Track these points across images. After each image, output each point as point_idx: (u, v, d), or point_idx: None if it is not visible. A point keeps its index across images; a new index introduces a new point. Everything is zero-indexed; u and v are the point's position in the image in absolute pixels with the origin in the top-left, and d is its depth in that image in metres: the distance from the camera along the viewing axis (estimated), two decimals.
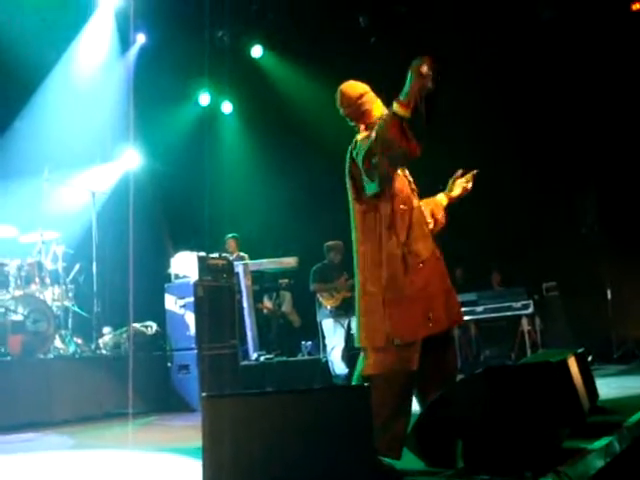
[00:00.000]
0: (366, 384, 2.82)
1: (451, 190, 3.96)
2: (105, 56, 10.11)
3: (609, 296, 9.52)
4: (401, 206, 3.49)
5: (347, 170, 3.59)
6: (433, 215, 3.85)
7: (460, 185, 3.96)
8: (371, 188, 3.42)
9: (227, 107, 12.44)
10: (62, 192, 8.43)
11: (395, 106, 3.20)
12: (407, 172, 3.71)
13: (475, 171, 3.99)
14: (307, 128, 11.50)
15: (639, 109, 9.62)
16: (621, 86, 9.70)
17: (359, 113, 3.66)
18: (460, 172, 3.99)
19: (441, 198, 3.95)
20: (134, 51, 10.63)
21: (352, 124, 3.73)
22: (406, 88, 3.18)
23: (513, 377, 3.36)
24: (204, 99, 11.94)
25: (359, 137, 3.55)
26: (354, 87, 3.71)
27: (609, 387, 6.16)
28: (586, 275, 9.75)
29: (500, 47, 10.37)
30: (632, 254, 9.01)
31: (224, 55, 11.29)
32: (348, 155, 3.58)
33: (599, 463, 3.46)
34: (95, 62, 9.99)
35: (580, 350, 4.54)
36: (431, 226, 3.78)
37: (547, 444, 3.24)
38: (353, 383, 3.50)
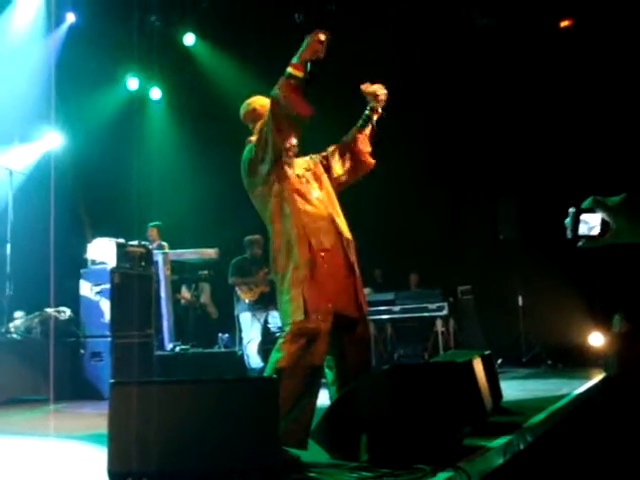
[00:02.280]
0: (274, 375, 2.86)
1: (376, 102, 3.97)
2: (31, 32, 9.82)
3: (520, 302, 9.81)
4: (297, 198, 3.65)
5: (244, 169, 3.77)
6: (355, 157, 3.95)
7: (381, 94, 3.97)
8: (265, 162, 3.61)
9: (156, 93, 12.27)
10: None
11: (289, 68, 3.48)
12: (307, 164, 3.89)
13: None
14: (235, 120, 11.41)
15: (564, 119, 9.93)
16: (543, 97, 10.00)
17: (255, 115, 3.89)
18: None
19: (361, 126, 3.98)
20: (63, 30, 10.36)
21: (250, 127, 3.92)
22: (300, 51, 3.49)
23: (418, 375, 3.46)
24: (132, 84, 11.74)
25: (252, 138, 3.77)
26: (252, 101, 3.97)
27: (515, 389, 6.37)
28: (500, 281, 10.03)
29: (428, 49, 10.55)
30: (546, 263, 9.29)
31: (156, 40, 11.13)
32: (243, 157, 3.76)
33: (498, 460, 3.60)
34: (20, 38, 9.70)
35: (487, 352, 4.69)
36: (343, 178, 3.93)
37: (448, 440, 3.34)
38: (265, 374, 3.53)
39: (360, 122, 3.97)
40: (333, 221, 3.70)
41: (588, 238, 1.97)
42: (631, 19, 9.01)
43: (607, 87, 9.55)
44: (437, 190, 10.84)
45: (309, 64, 3.47)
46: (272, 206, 3.64)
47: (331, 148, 4.00)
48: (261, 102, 3.87)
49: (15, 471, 3.62)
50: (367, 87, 3.94)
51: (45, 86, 8.80)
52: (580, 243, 1.98)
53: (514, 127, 10.29)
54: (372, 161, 3.98)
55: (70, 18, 10.39)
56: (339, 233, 3.70)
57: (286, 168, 3.68)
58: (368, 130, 3.96)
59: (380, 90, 3.93)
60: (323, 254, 3.56)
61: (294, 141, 3.75)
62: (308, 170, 3.84)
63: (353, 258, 3.72)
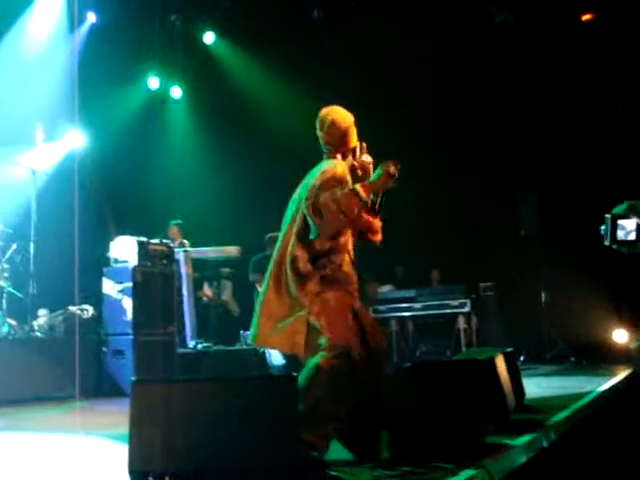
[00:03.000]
0: (295, 374, 2.86)
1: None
2: (53, 33, 9.88)
3: (543, 298, 9.73)
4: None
5: (308, 190, 3.51)
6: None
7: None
8: (313, 233, 3.49)
9: (176, 92, 12.31)
10: (2, 169, 8.25)
11: (358, 187, 3.41)
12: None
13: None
14: (254, 118, 11.48)
15: (583, 115, 9.85)
16: (564, 91, 9.92)
17: (341, 143, 3.66)
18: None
19: None
20: (84, 30, 10.42)
21: (325, 148, 3.70)
22: (373, 178, 3.47)
23: (440, 372, 3.44)
24: (153, 83, 11.78)
25: (328, 167, 3.54)
26: (344, 117, 3.69)
27: (538, 387, 6.32)
28: (522, 277, 9.96)
29: (447, 47, 10.51)
30: (568, 259, 9.21)
31: (176, 39, 11.19)
32: (312, 179, 3.53)
33: (521, 459, 3.57)
34: (42, 38, 9.77)
35: (509, 350, 4.66)
36: None
37: (470, 438, 3.33)
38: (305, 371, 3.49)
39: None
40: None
41: (626, 243, 1.94)
42: None
43: (629, 80, 9.46)
44: (458, 186, 10.79)
45: (380, 196, 3.53)
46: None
47: None
48: (342, 115, 3.71)
49: (38, 467, 3.65)
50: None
51: (67, 86, 8.85)
52: (617, 247, 1.95)
53: (534, 120, 10.22)
54: (378, 239, 3.79)
55: (91, 18, 10.44)
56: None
57: None
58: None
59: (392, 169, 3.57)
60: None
61: None
62: None
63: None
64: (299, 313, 3.45)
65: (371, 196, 3.49)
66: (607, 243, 1.96)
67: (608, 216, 1.92)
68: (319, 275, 3.46)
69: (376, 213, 3.59)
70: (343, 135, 3.64)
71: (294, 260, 3.49)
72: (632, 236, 1.89)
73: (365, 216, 3.55)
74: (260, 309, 3.59)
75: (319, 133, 3.70)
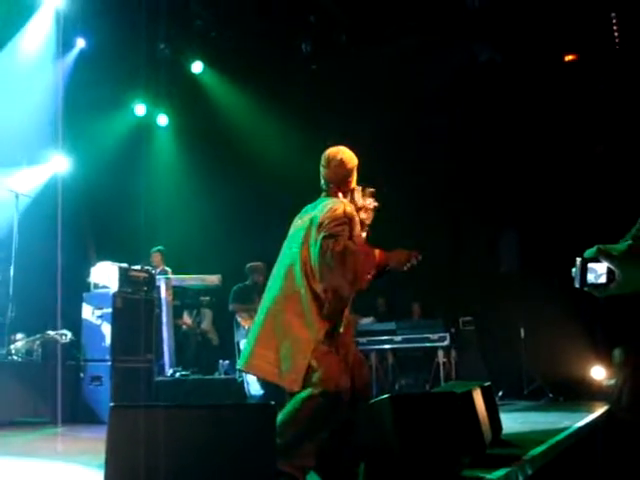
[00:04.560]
0: (272, 402, 2.86)
1: None
2: (41, 56, 9.91)
3: (522, 334, 9.78)
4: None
5: (311, 229, 3.58)
6: None
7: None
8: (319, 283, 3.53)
9: (163, 119, 12.38)
10: None
11: (377, 254, 3.61)
12: None
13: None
14: (240, 148, 11.55)
15: (563, 153, 9.98)
16: (545, 130, 10.06)
17: (344, 182, 3.77)
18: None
19: None
20: (73, 54, 10.47)
21: (326, 185, 3.80)
22: (390, 257, 3.66)
23: (418, 404, 3.46)
24: (140, 109, 11.85)
25: (335, 205, 3.59)
26: (351, 158, 3.82)
27: (515, 421, 6.34)
28: (502, 313, 10.01)
29: (432, 84, 10.66)
30: (547, 296, 9.28)
31: (164, 67, 11.25)
32: (317, 216, 3.57)
33: None
34: (30, 61, 9.79)
35: (487, 384, 4.69)
36: None
37: (446, 471, 3.33)
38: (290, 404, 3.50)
39: None
40: None
41: (595, 286, 1.98)
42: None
43: (610, 119, 9.63)
44: (439, 221, 10.89)
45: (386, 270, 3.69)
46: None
47: None
48: (350, 155, 3.83)
49: None
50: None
51: (53, 110, 8.88)
52: (588, 290, 1.99)
53: (515, 158, 10.34)
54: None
55: (80, 43, 10.51)
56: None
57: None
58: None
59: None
60: None
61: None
62: None
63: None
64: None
65: None
66: (577, 286, 2.01)
67: (579, 259, 1.96)
68: (325, 330, 3.51)
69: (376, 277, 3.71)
70: (348, 175, 3.78)
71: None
72: (602, 279, 1.94)
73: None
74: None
75: (323, 170, 3.81)
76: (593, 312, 8.85)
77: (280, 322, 3.56)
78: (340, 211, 3.52)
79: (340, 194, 3.74)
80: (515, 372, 9.70)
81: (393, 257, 3.63)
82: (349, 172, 3.78)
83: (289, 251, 3.69)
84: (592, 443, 5.52)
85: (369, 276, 3.56)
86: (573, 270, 2.02)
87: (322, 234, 3.44)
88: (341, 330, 3.59)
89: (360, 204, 3.75)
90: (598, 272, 1.97)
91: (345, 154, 3.80)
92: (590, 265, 1.98)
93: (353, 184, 3.80)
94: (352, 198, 3.75)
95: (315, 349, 3.44)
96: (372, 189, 3.81)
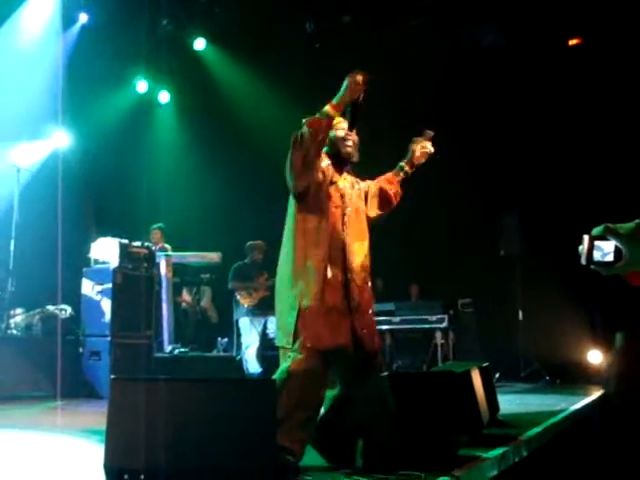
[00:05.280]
0: (272, 378, 2.88)
1: (412, 156, 4.08)
2: (44, 31, 9.86)
3: (520, 317, 9.81)
4: (321, 223, 3.56)
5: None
6: (382, 194, 3.95)
7: (421, 149, 4.09)
8: (289, 184, 3.55)
9: (164, 96, 12.32)
10: None
11: (327, 107, 3.52)
12: (344, 188, 3.75)
13: (430, 132, 4.13)
14: (241, 126, 11.51)
15: (565, 136, 9.96)
16: (547, 113, 10.03)
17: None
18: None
19: (396, 171, 4.06)
20: (75, 30, 10.42)
21: None
22: (340, 93, 3.53)
23: (416, 383, 3.48)
24: (142, 86, 11.80)
25: None
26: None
27: (512, 403, 6.37)
28: (501, 295, 10.03)
29: (431, 65, 10.61)
30: (546, 280, 9.29)
31: (166, 44, 11.20)
32: None
33: (492, 472, 3.61)
34: (33, 37, 9.75)
35: (485, 364, 4.71)
36: (372, 213, 3.88)
37: (444, 449, 3.36)
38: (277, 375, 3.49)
39: (398, 171, 4.08)
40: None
41: (602, 265, 1.98)
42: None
43: (613, 100, 9.60)
44: (440, 203, 10.87)
45: (350, 107, 3.61)
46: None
47: (371, 184, 3.99)
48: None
49: (13, 466, 3.64)
50: (424, 141, 4.04)
51: (55, 85, 8.85)
52: (594, 268, 1.99)
53: (517, 140, 10.31)
54: (395, 202, 4.04)
55: (83, 18, 10.44)
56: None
57: (325, 186, 3.63)
58: (401, 177, 4.07)
59: (428, 148, 4.05)
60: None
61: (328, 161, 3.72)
62: (352, 188, 3.80)
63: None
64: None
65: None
66: (583, 263, 2.00)
67: (586, 237, 1.96)
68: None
69: (352, 127, 3.71)
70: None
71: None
72: (609, 257, 1.93)
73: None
74: None
75: None
76: (592, 296, 8.89)
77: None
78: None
79: None
80: (512, 354, 9.73)
81: (345, 95, 3.53)
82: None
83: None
84: (588, 426, 5.57)
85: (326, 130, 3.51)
86: (580, 248, 2.01)
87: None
88: (329, 275, 3.49)
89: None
90: (605, 250, 1.97)
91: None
92: (597, 243, 1.97)
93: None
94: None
95: (300, 308, 3.43)
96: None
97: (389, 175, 4.05)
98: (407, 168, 4.08)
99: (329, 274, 3.48)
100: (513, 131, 10.33)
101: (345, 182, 3.76)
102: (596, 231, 1.97)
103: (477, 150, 10.82)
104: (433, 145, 4.11)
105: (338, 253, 3.56)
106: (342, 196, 3.69)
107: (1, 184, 8.36)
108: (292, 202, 3.63)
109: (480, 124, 10.71)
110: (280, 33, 11.08)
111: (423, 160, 4.10)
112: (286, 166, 3.51)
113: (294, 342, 3.38)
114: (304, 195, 3.55)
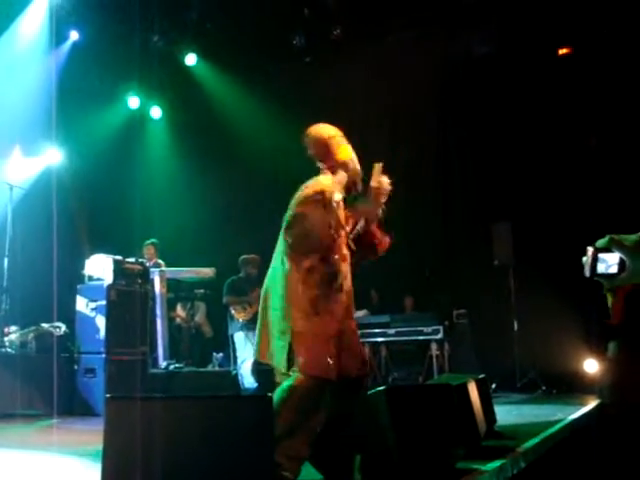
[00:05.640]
0: (269, 394, 2.86)
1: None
2: (35, 48, 9.88)
3: (515, 327, 9.80)
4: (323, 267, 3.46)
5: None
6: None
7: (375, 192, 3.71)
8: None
9: (156, 112, 12.35)
10: None
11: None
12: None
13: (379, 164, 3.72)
14: (233, 141, 11.55)
15: (557, 146, 9.99)
16: (539, 123, 10.07)
17: (326, 155, 3.62)
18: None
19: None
20: (66, 47, 10.44)
21: (319, 165, 3.66)
22: (359, 201, 3.62)
23: (413, 397, 3.47)
24: (133, 102, 11.82)
25: (310, 182, 3.52)
26: (325, 129, 3.71)
27: (508, 414, 6.35)
28: (495, 306, 10.03)
29: (425, 73, 10.67)
30: (541, 289, 9.29)
31: (158, 60, 11.22)
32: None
33: None
34: (24, 54, 9.76)
35: (481, 376, 4.71)
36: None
37: (441, 462, 3.35)
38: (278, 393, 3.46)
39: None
40: None
41: (606, 276, 2.00)
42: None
43: (604, 111, 9.65)
44: (433, 214, 10.90)
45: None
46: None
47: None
48: (322, 127, 3.72)
49: None
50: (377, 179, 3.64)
51: (47, 102, 8.85)
52: (597, 279, 2.00)
53: (509, 150, 10.34)
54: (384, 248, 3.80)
55: (74, 36, 10.47)
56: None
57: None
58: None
59: (384, 186, 3.65)
60: None
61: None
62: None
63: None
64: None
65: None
66: (587, 275, 2.00)
67: (590, 249, 1.96)
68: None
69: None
70: (325, 146, 3.63)
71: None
72: (613, 269, 1.95)
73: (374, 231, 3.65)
74: None
75: (309, 152, 3.70)
76: (587, 305, 8.89)
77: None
78: (310, 190, 3.42)
79: (327, 171, 3.58)
80: (508, 365, 9.72)
81: (362, 208, 3.55)
82: (325, 143, 3.62)
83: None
84: (585, 436, 5.56)
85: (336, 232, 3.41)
86: (584, 259, 2.03)
87: (288, 213, 3.40)
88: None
89: (374, 183, 3.61)
90: (609, 262, 1.99)
91: (318, 127, 3.69)
92: (601, 255, 2.00)
93: (339, 155, 3.61)
94: (346, 169, 3.57)
95: (295, 330, 3.38)
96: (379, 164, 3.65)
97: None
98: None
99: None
100: (505, 142, 10.36)
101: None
102: (600, 243, 1.98)
103: (469, 161, 10.86)
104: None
105: None
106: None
107: None
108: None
109: (472, 135, 10.76)
110: (270, 47, 11.13)
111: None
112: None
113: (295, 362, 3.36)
114: None
